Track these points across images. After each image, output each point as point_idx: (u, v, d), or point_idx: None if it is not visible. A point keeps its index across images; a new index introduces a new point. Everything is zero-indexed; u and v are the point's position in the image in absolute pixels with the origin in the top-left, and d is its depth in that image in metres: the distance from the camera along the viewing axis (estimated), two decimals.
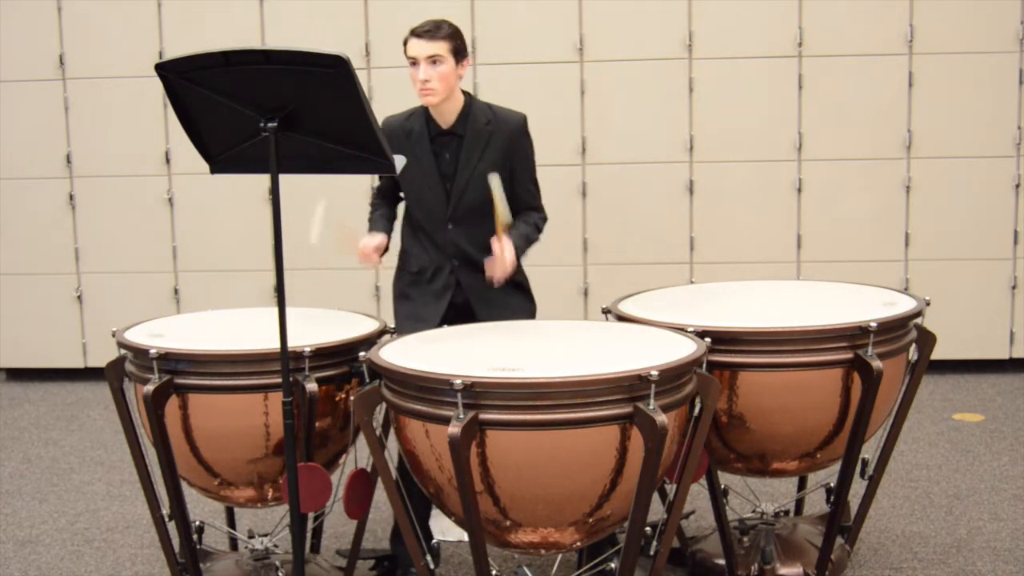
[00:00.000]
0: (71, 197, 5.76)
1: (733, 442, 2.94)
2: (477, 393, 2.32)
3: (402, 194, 3.32)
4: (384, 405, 2.61)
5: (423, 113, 3.22)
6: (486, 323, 3.10)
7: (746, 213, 5.52)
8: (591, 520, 2.47)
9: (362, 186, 5.43)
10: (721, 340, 2.77)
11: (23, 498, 4.14)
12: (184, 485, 2.95)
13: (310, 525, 3.19)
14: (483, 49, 5.41)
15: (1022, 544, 3.45)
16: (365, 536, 3.11)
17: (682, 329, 2.76)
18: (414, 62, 3.09)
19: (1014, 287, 5.48)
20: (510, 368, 2.40)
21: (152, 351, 2.75)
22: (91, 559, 3.56)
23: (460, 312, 3.25)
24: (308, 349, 2.77)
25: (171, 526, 2.99)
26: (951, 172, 5.42)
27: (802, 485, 3.57)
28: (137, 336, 2.93)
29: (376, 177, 3.40)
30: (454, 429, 2.29)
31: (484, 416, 2.33)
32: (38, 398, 5.62)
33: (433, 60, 3.07)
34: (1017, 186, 5.42)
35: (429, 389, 2.40)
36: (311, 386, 2.77)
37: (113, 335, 2.95)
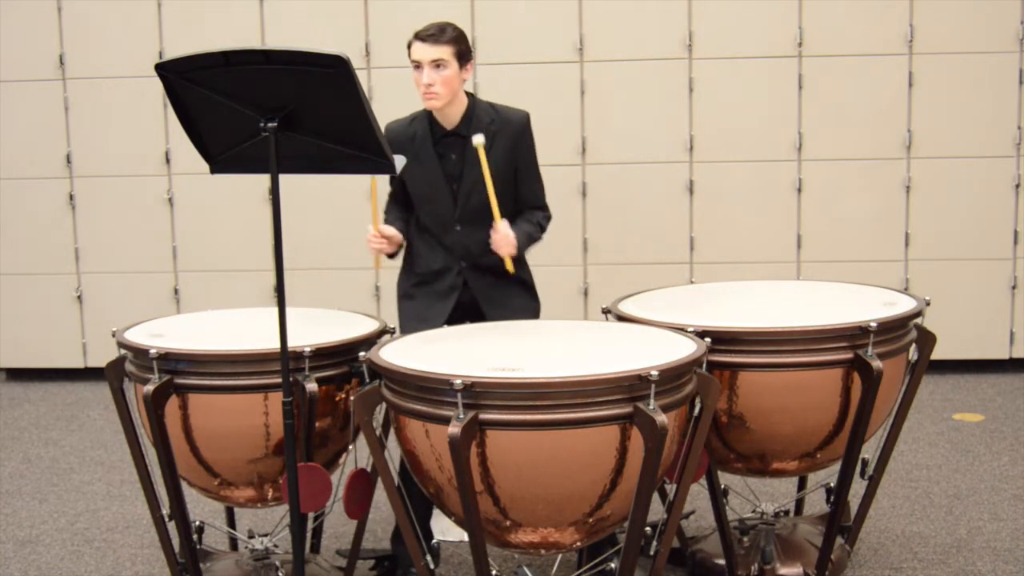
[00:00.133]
0: (71, 197, 5.76)
1: (733, 442, 2.94)
2: (477, 393, 2.32)
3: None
4: (384, 405, 2.62)
5: (426, 116, 3.22)
6: (486, 323, 3.10)
7: (746, 213, 5.52)
8: (591, 520, 2.47)
9: (362, 186, 5.43)
10: (721, 340, 2.77)
11: (23, 498, 4.14)
12: (184, 485, 2.95)
13: (310, 525, 3.19)
14: (483, 49, 5.41)
15: (1022, 544, 3.45)
16: (365, 536, 3.11)
17: (682, 329, 2.76)
18: (417, 66, 3.09)
19: (1014, 287, 5.48)
20: (510, 368, 2.40)
21: (152, 351, 2.75)
22: (91, 559, 3.56)
23: (467, 311, 3.25)
24: (308, 349, 2.77)
25: (171, 526, 2.99)
26: (951, 172, 5.42)
27: (802, 485, 3.57)
28: (137, 336, 2.93)
29: (387, 183, 3.38)
30: (454, 429, 2.29)
31: (484, 416, 2.33)
32: (38, 398, 5.62)
33: (437, 64, 3.06)
34: (1017, 186, 5.42)
35: (429, 389, 2.40)
36: (311, 386, 2.77)
37: (113, 335, 2.95)
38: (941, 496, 3.89)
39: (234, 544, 3.43)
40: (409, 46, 3.11)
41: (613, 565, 2.58)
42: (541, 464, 2.36)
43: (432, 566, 2.69)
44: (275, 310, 2.58)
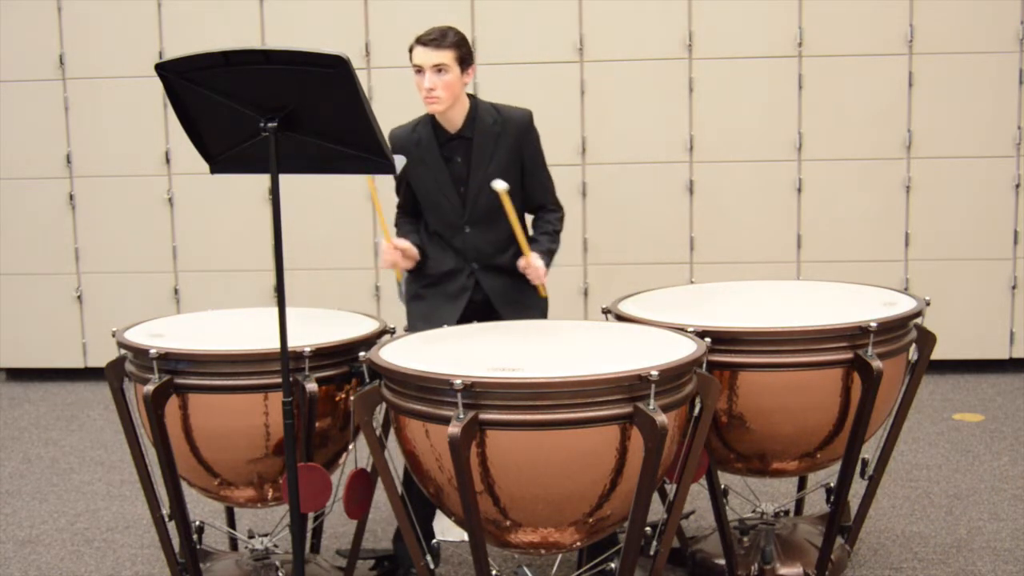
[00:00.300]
0: (71, 197, 5.76)
1: (733, 442, 2.94)
2: (477, 393, 2.32)
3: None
4: (384, 405, 2.62)
5: (429, 120, 3.22)
6: (486, 323, 3.10)
7: (746, 213, 5.52)
8: (591, 520, 2.47)
9: (362, 187, 5.44)
10: (721, 340, 2.77)
11: (23, 498, 4.14)
12: (184, 485, 2.95)
13: (310, 525, 3.19)
14: (483, 49, 5.41)
15: (1022, 544, 3.45)
16: (365, 536, 3.11)
17: (682, 329, 2.76)
18: (419, 70, 3.09)
19: (1014, 287, 5.48)
20: (510, 368, 2.40)
21: (152, 351, 2.75)
22: (91, 559, 3.56)
23: (479, 310, 3.25)
24: (308, 349, 2.77)
25: (171, 526, 2.99)
26: (951, 172, 5.42)
27: (802, 485, 3.57)
28: (137, 336, 2.93)
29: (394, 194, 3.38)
30: (454, 429, 2.29)
31: (484, 416, 2.33)
32: (38, 398, 5.62)
33: (438, 69, 3.07)
34: (1017, 186, 5.42)
35: (429, 389, 2.40)
36: (311, 386, 2.77)
37: (113, 335, 2.95)
38: (941, 496, 3.89)
39: (234, 544, 3.43)
40: (411, 50, 3.12)
41: (613, 565, 2.58)
42: (541, 464, 2.36)
43: (432, 566, 2.69)
44: (275, 310, 2.58)
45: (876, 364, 2.77)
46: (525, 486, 2.40)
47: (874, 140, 5.43)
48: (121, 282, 5.79)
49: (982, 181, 5.42)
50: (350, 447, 2.98)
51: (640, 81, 5.46)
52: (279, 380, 2.64)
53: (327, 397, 2.86)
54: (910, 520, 3.68)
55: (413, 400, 2.45)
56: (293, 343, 2.65)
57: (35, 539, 3.73)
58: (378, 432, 2.71)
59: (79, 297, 5.83)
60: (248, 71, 2.45)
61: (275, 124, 2.47)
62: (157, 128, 5.67)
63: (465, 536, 3.10)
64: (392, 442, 2.73)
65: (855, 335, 2.80)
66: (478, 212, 3.21)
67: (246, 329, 3.10)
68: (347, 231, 5.60)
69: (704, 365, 2.64)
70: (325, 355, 2.83)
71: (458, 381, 2.30)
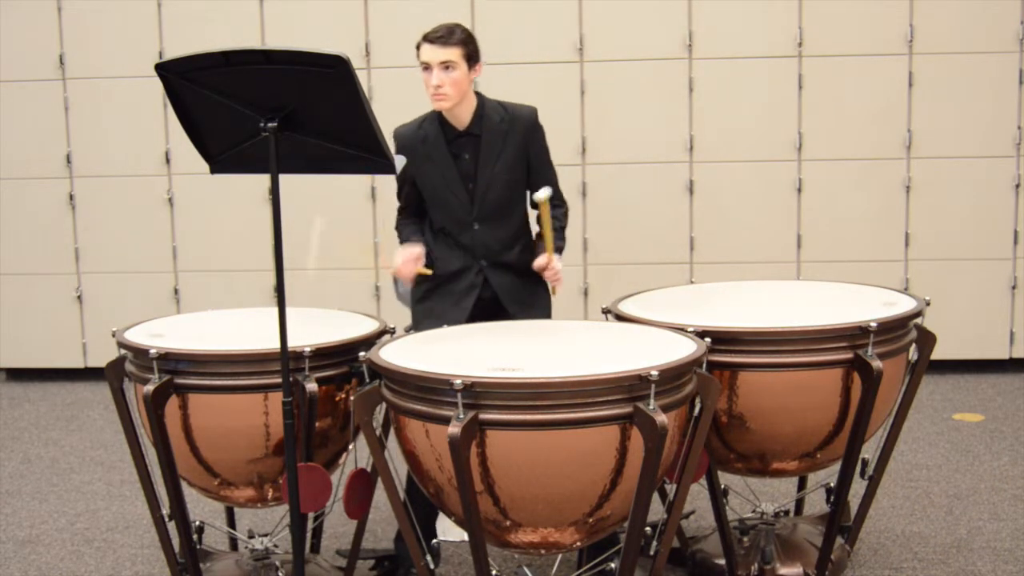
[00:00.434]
0: (71, 197, 5.76)
1: (733, 442, 2.94)
2: (477, 393, 2.32)
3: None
4: (384, 405, 2.62)
5: (436, 117, 3.22)
6: (487, 323, 3.10)
7: (746, 213, 5.52)
8: (591, 520, 2.47)
9: (363, 188, 5.44)
10: (721, 340, 2.77)
11: (23, 498, 4.14)
12: (184, 485, 2.95)
13: (310, 525, 3.19)
14: (483, 49, 5.35)
15: (1022, 544, 3.45)
16: (365, 536, 3.11)
17: (682, 329, 2.76)
18: (427, 67, 3.09)
19: (1014, 287, 5.48)
20: (510, 368, 2.40)
21: (152, 351, 2.75)
22: (91, 559, 3.56)
23: (486, 307, 3.25)
24: (308, 349, 2.77)
25: (171, 526, 2.99)
26: (951, 172, 5.42)
27: (802, 485, 3.57)
28: (137, 336, 2.93)
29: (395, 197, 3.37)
30: (454, 429, 2.29)
31: (484, 416, 2.33)
32: (38, 398, 5.62)
33: (446, 66, 3.07)
34: (1017, 186, 5.42)
35: (429, 389, 2.40)
36: (311, 386, 2.77)
37: (113, 335, 2.95)
38: (941, 496, 3.89)
39: (234, 544, 3.43)
40: (418, 47, 3.12)
41: (613, 565, 2.58)
42: (541, 464, 2.36)
43: (432, 566, 2.69)
44: (275, 310, 2.58)
45: (876, 364, 2.77)
46: (525, 486, 2.40)
47: (874, 140, 5.43)
48: (121, 282, 5.79)
49: (982, 181, 5.42)
50: (350, 447, 2.98)
51: (640, 81, 5.46)
52: (279, 380, 2.63)
53: (327, 397, 2.86)
54: (910, 520, 3.68)
55: (413, 400, 2.45)
56: (293, 343, 2.64)
57: (35, 539, 3.73)
58: (378, 432, 2.71)
59: (79, 297, 5.83)
60: (248, 71, 2.45)
61: (275, 124, 2.47)
62: (157, 128, 5.67)
63: (465, 536, 3.10)
64: (392, 442, 2.73)
65: (855, 335, 2.80)
66: (487, 208, 3.21)
67: (246, 329, 3.10)
68: (346, 231, 5.59)
69: (704, 365, 2.64)
70: (325, 355, 2.83)
71: (458, 381, 2.30)
